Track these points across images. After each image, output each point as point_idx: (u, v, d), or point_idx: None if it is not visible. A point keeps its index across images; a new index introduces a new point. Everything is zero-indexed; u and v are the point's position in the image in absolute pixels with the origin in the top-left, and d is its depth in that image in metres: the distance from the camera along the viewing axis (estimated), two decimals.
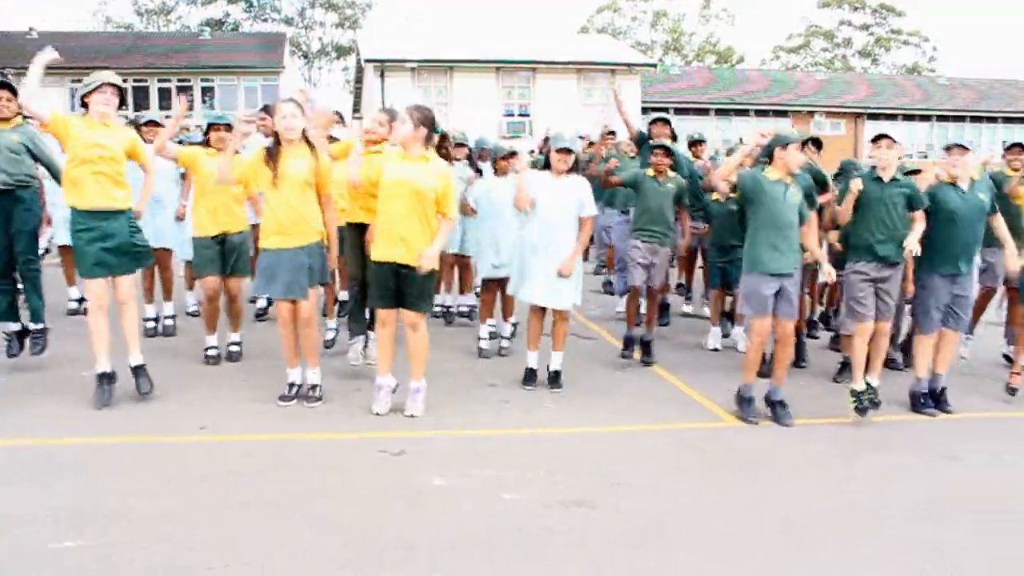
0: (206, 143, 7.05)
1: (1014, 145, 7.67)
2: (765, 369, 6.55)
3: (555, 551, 4.07)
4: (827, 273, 6.27)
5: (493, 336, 7.82)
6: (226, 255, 6.90)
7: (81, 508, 4.30)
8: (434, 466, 5.02)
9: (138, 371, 5.95)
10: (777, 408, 6.22)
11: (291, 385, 6.06)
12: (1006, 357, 8.02)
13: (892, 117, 40.22)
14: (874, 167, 6.38)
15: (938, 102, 41.31)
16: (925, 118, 40.75)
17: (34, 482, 4.61)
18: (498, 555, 4.00)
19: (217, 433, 5.50)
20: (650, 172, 7.58)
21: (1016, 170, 7.46)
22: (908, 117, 40.48)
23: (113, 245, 5.74)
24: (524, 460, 5.24)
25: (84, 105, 6.01)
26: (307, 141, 5.82)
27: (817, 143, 7.13)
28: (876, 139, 6.38)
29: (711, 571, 3.96)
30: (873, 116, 39.90)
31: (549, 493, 4.71)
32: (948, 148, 6.47)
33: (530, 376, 6.73)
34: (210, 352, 7.02)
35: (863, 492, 4.97)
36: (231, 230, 6.87)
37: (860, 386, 6.31)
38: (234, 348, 7.17)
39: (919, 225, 6.23)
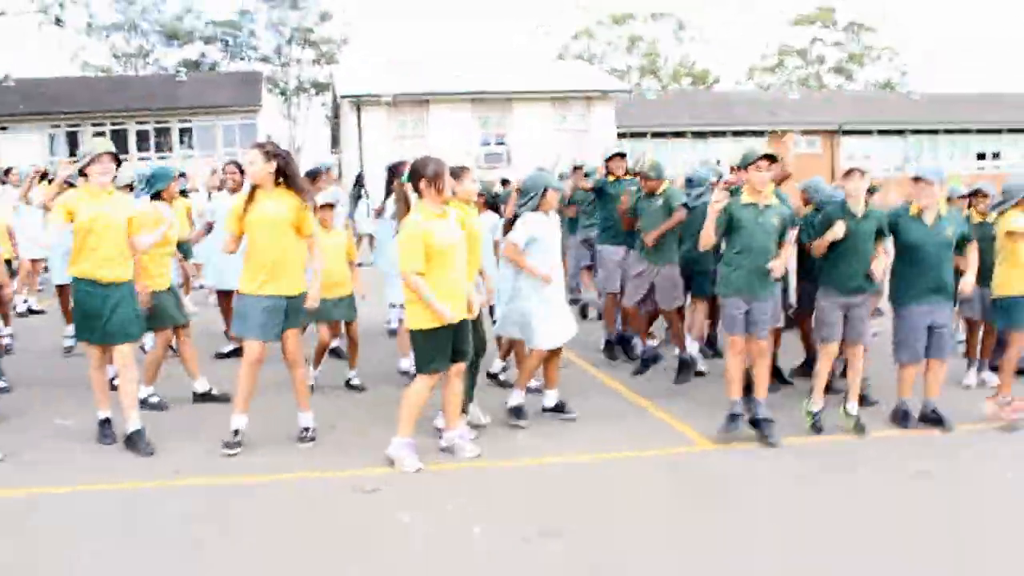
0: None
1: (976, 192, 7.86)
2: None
3: None
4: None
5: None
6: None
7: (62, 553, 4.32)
8: (407, 502, 5.06)
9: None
10: (762, 425, 6.24)
11: (236, 432, 6.00)
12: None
13: (867, 133, 40.74)
14: (843, 200, 6.46)
15: (912, 117, 41.82)
16: (900, 133, 41.25)
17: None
18: None
19: (192, 475, 5.53)
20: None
21: (983, 215, 7.63)
22: (883, 132, 40.98)
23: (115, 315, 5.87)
24: (496, 492, 5.29)
25: (82, 175, 5.96)
26: (288, 184, 5.91)
27: (771, 158, 7.27)
28: (847, 173, 6.44)
29: None
30: (848, 133, 40.39)
31: (518, 524, 4.75)
32: (916, 179, 6.38)
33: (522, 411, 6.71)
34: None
35: (836, 513, 5.02)
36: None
37: (817, 407, 6.44)
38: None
39: (883, 256, 6.37)
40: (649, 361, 8.07)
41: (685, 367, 7.83)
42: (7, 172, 12.18)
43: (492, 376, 7.84)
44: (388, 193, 7.84)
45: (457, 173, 6.26)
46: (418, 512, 4.93)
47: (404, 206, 5.81)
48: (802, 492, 5.35)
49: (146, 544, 4.53)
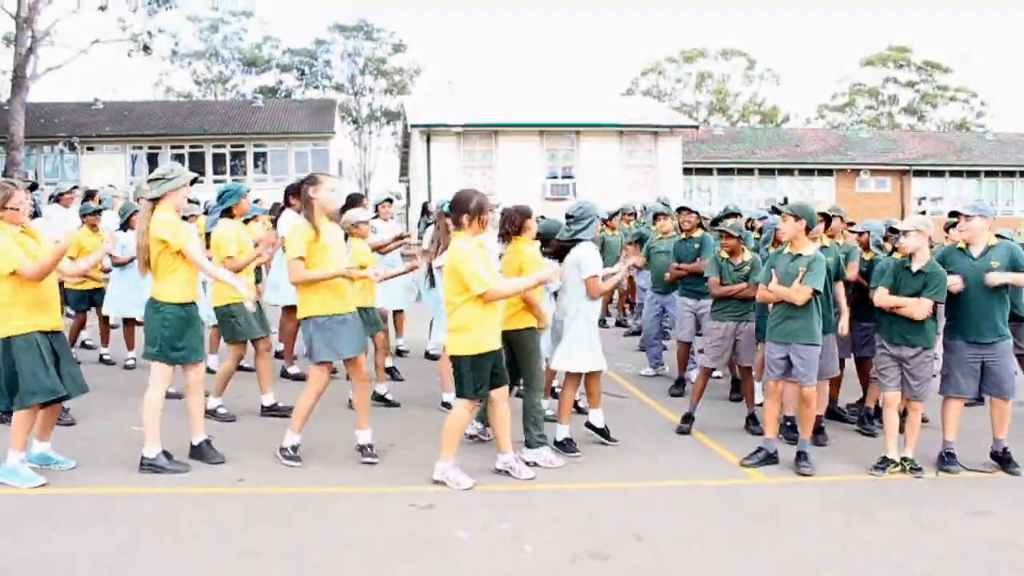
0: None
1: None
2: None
3: None
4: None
5: None
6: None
7: (128, 550, 4.56)
8: (460, 519, 5.21)
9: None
10: (799, 459, 6.40)
11: (296, 447, 6.25)
12: None
13: (939, 174, 40.00)
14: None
15: (985, 158, 40.96)
16: (973, 174, 40.45)
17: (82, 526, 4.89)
18: None
19: (255, 485, 5.75)
20: (723, 254, 7.74)
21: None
22: (955, 173, 40.22)
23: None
24: (547, 513, 5.41)
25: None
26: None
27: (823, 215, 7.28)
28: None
29: None
30: (919, 173, 39.74)
31: (568, 545, 4.87)
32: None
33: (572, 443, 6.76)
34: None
35: (884, 547, 5.03)
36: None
37: (891, 455, 6.45)
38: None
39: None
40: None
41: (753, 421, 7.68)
42: (91, 195, 12.63)
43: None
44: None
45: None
46: (470, 529, 5.08)
47: (447, 237, 5.98)
48: (854, 525, 5.36)
49: (206, 546, 4.74)
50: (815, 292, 6.32)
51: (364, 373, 6.33)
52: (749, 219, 10.43)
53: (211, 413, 7.20)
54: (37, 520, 5.04)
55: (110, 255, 8.60)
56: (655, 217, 10.05)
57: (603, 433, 6.97)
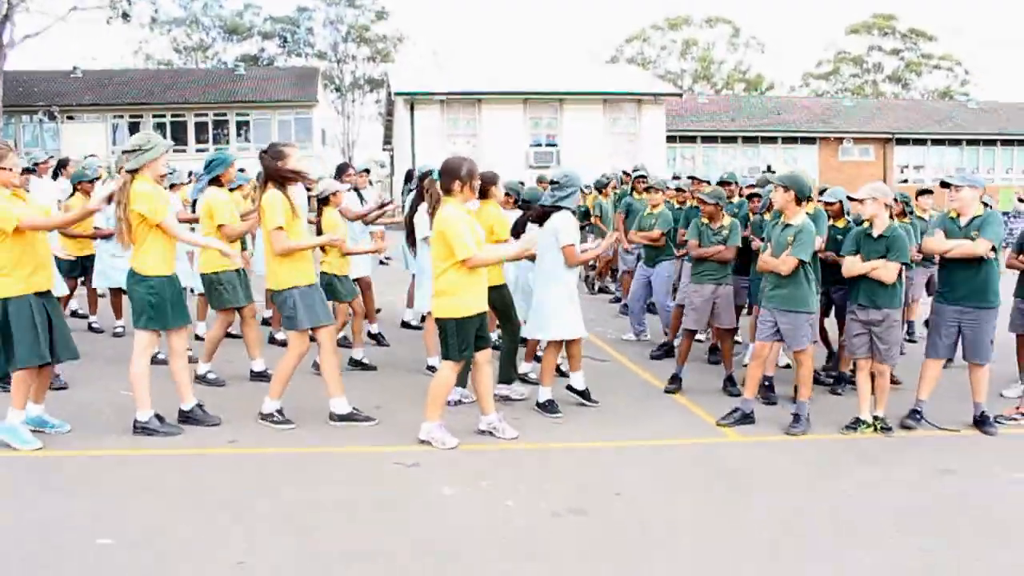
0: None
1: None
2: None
3: (542, 550, 4.44)
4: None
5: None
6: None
7: (122, 512, 4.72)
8: (444, 477, 5.39)
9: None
10: (793, 421, 6.67)
11: (281, 410, 6.48)
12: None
13: (921, 142, 40.30)
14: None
15: (967, 126, 41.24)
16: (955, 143, 40.74)
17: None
18: (492, 555, 4.38)
19: (246, 447, 5.92)
20: (703, 220, 7.92)
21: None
22: (937, 142, 40.50)
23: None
24: (530, 472, 5.60)
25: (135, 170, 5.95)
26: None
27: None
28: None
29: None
30: (902, 141, 40.00)
31: (548, 501, 5.05)
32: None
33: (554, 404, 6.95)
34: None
35: (854, 505, 5.24)
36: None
37: (863, 416, 6.66)
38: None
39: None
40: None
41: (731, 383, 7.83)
42: (63, 164, 12.54)
43: (521, 377, 8.07)
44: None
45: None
46: (454, 486, 5.26)
47: (436, 204, 6.09)
48: (823, 483, 5.58)
49: (198, 506, 4.90)
50: (801, 262, 6.50)
51: (334, 341, 6.51)
52: (737, 185, 10.48)
53: (201, 378, 7.36)
54: (36, 483, 5.19)
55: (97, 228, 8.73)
56: (645, 189, 10.03)
57: (584, 395, 7.15)
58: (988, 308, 6.62)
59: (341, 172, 9.44)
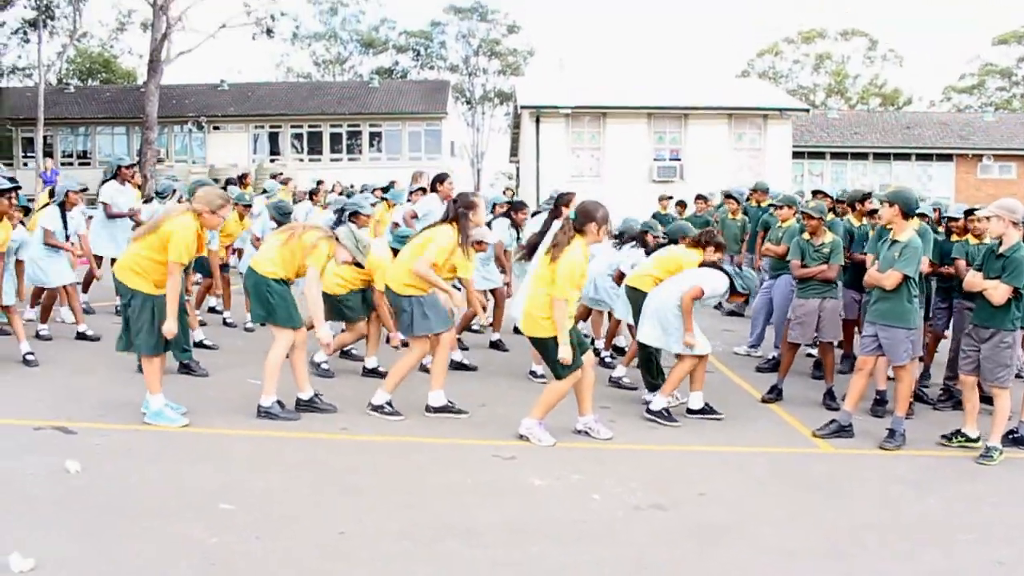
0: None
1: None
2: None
3: (619, 537, 4.77)
4: None
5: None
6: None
7: (242, 480, 5.28)
8: (537, 470, 5.75)
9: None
10: (888, 435, 6.71)
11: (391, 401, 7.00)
12: None
13: None
14: None
15: None
16: None
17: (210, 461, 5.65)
18: (574, 541, 4.73)
19: (356, 433, 6.42)
20: (805, 236, 8.07)
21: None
22: None
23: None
24: (619, 469, 5.90)
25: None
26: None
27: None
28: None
29: (760, 569, 4.50)
30: None
31: (633, 497, 5.35)
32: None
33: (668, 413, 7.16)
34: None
35: (934, 515, 5.34)
36: None
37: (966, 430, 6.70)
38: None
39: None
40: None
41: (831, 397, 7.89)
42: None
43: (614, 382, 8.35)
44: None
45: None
46: (547, 478, 5.61)
47: (566, 238, 6.39)
48: (909, 498, 5.66)
49: (309, 481, 5.41)
50: (905, 277, 6.56)
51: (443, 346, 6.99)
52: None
53: (315, 366, 8.02)
54: (174, 453, 5.83)
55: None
56: (773, 207, 10.14)
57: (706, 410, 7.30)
58: None
59: (441, 181, 9.92)
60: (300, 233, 6.66)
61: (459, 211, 6.80)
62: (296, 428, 6.50)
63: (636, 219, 9.05)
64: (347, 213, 8.80)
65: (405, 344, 7.12)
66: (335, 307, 7.89)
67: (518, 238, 9.55)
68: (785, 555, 4.64)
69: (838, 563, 4.57)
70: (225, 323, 10.50)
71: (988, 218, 6.55)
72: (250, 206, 10.94)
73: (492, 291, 9.67)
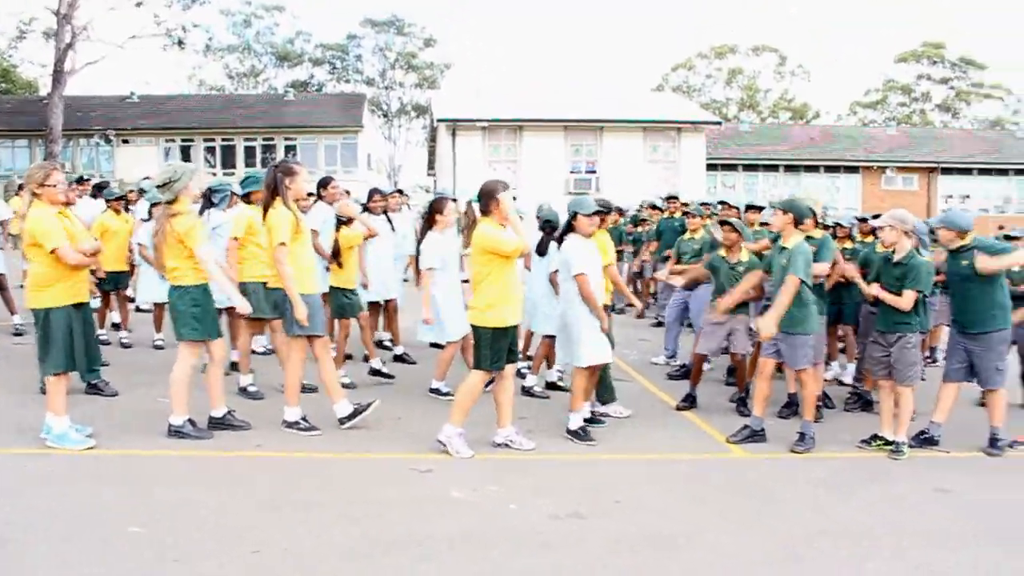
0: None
1: None
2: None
3: (536, 545, 4.75)
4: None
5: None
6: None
7: (152, 502, 5.11)
8: (454, 482, 5.72)
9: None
10: (798, 439, 6.84)
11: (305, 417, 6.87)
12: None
13: (967, 172, 39.94)
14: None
15: (1015, 156, 40.78)
16: (1002, 172, 40.30)
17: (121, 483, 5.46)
18: (491, 551, 4.70)
19: (271, 450, 6.30)
20: (721, 253, 8.17)
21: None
22: (984, 171, 40.11)
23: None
24: (536, 480, 5.89)
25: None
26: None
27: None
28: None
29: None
30: (947, 171, 39.69)
31: (550, 506, 5.35)
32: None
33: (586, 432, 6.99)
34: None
35: (860, 519, 5.45)
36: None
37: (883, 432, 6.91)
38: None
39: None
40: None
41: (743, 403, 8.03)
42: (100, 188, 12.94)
43: (552, 385, 8.46)
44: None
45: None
46: (463, 490, 5.58)
47: (472, 224, 6.43)
48: (821, 497, 5.80)
49: (220, 501, 5.28)
50: (802, 282, 6.69)
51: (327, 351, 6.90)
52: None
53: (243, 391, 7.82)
54: (80, 477, 5.62)
55: (141, 248, 9.31)
56: (684, 215, 10.32)
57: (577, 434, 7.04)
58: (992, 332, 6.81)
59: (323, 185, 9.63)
60: (166, 225, 6.28)
61: (277, 176, 6.55)
62: (209, 447, 6.34)
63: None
64: (219, 195, 8.69)
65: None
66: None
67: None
68: (697, 563, 4.69)
69: (772, 569, 4.65)
70: (122, 344, 10.12)
71: (882, 228, 6.83)
72: (123, 198, 10.25)
73: (387, 302, 9.61)
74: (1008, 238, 8.54)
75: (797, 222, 6.85)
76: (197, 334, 6.42)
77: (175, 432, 6.44)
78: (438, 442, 6.34)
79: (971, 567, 4.74)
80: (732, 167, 38.01)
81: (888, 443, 6.79)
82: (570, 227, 6.86)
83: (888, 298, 6.72)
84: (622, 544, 4.84)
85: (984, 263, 6.68)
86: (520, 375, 8.40)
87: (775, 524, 5.26)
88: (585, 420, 7.05)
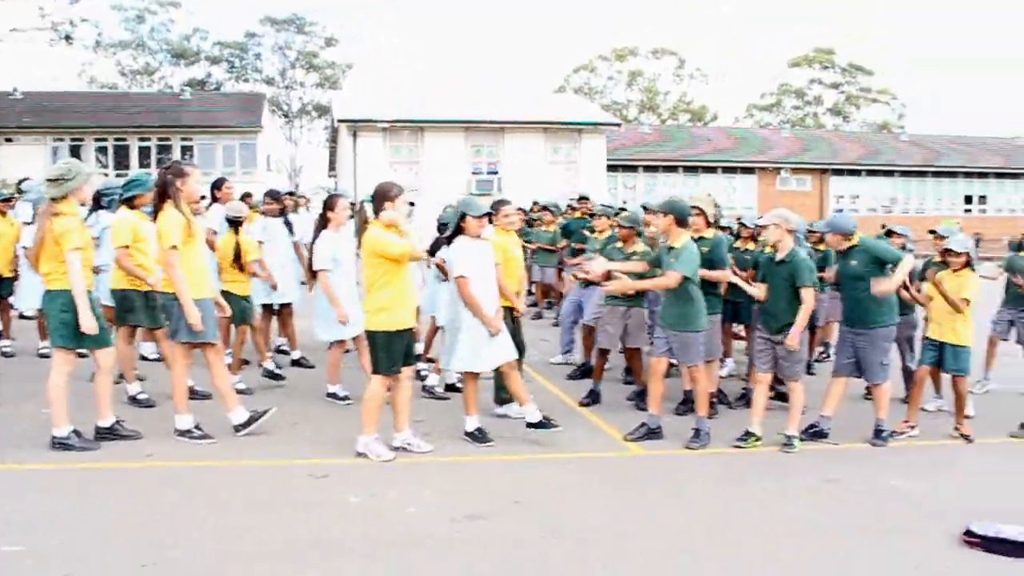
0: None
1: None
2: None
3: (443, 550, 4.73)
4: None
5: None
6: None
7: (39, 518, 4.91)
8: (352, 487, 5.65)
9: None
10: (693, 435, 6.97)
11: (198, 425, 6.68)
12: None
13: (856, 173, 41.54)
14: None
15: (899, 158, 42.62)
16: (888, 174, 42.03)
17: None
18: (386, 553, 4.67)
19: (163, 459, 6.12)
20: (617, 244, 8.32)
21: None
22: (872, 173, 41.77)
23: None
24: (435, 483, 5.88)
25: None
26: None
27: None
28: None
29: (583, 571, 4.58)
30: (838, 172, 41.21)
31: (449, 509, 5.34)
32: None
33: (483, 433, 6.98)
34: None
35: (753, 511, 5.59)
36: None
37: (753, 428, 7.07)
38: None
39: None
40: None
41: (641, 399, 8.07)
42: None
43: (452, 387, 8.46)
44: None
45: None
46: (361, 495, 5.52)
47: (364, 225, 6.38)
48: (716, 492, 5.93)
49: (108, 515, 5.11)
50: (686, 279, 6.79)
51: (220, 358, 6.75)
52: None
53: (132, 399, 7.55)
54: None
55: (27, 252, 8.85)
56: (591, 215, 10.46)
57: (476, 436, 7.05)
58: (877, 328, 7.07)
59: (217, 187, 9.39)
60: (46, 223, 6.03)
61: (167, 178, 6.41)
62: (96, 458, 6.11)
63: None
64: (108, 198, 8.42)
65: None
66: None
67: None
68: (605, 558, 4.74)
69: (675, 561, 4.72)
70: (2, 353, 9.73)
71: (767, 226, 7.03)
72: (8, 200, 9.72)
73: (282, 306, 9.46)
74: (889, 233, 8.88)
75: (680, 222, 6.98)
76: (67, 341, 6.16)
77: (60, 444, 6.18)
78: (357, 453, 6.27)
79: (852, 552, 4.92)
80: (633, 168, 38.63)
81: (759, 438, 6.98)
82: (459, 229, 6.83)
83: (801, 316, 6.78)
84: (525, 544, 4.86)
85: (880, 287, 6.82)
86: (420, 376, 8.36)
87: (674, 518, 5.37)
88: (534, 424, 6.91)
